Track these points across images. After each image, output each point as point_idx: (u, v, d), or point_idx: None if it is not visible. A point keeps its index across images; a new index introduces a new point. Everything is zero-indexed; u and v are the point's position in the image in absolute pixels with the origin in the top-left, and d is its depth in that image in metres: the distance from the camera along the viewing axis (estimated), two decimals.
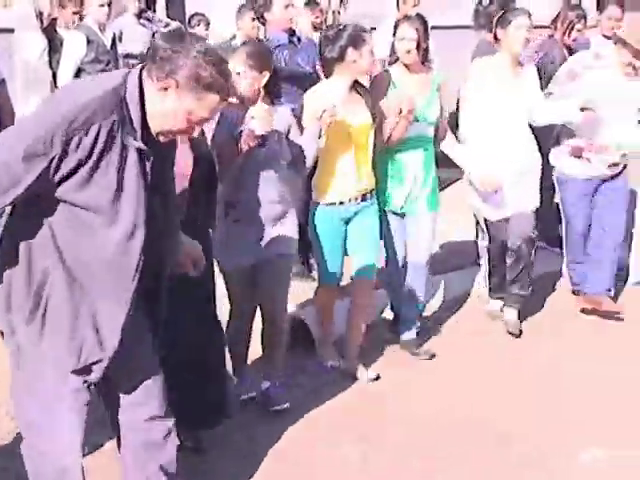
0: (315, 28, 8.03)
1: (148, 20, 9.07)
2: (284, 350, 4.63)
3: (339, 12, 9.38)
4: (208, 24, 9.06)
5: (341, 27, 4.72)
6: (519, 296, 5.64)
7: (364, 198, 4.82)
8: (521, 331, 5.62)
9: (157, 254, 2.88)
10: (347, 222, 4.83)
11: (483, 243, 5.90)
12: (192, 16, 9.23)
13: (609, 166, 5.67)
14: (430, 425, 4.47)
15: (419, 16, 5.29)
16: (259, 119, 4.04)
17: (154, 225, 2.79)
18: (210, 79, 2.64)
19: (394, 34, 5.06)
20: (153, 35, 8.49)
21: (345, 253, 4.92)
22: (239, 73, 4.13)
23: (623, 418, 4.53)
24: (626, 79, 5.48)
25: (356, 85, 4.77)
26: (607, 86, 5.45)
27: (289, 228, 4.42)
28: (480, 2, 6.74)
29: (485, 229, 5.68)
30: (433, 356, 5.29)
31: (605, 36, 6.78)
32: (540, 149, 5.61)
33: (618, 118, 5.46)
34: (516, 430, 4.40)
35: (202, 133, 3.59)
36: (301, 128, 4.49)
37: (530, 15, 5.35)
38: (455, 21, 10.03)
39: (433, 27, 6.17)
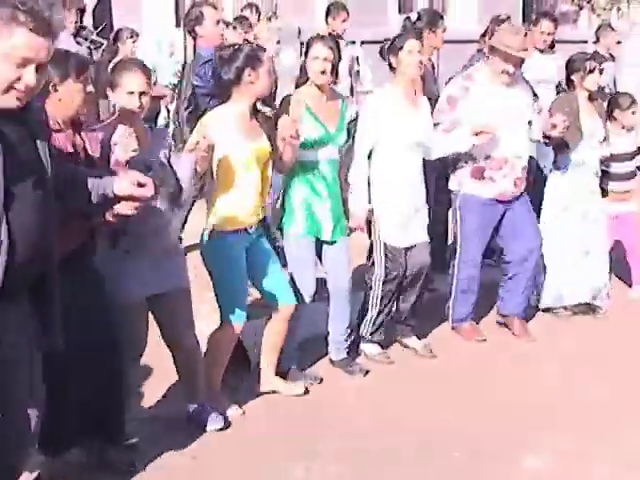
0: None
1: (85, 39, 9.04)
2: (202, 372, 4.51)
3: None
4: (137, 36, 8.92)
5: (236, 47, 4.58)
6: (411, 326, 5.61)
7: (260, 225, 4.69)
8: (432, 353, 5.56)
9: (36, 236, 2.86)
10: (244, 252, 4.59)
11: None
12: (120, 30, 9.09)
13: (515, 184, 5.59)
14: (374, 436, 4.47)
15: (332, 36, 5.18)
16: (120, 144, 3.88)
17: (28, 208, 2.79)
18: (21, 15, 2.68)
19: (306, 53, 4.94)
20: (90, 54, 8.46)
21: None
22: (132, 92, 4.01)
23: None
24: (506, 88, 5.47)
25: (255, 107, 4.60)
26: (491, 101, 5.41)
27: (180, 260, 4.32)
28: (408, 18, 6.75)
29: (382, 260, 5.32)
30: (367, 372, 5.26)
31: (537, 49, 6.85)
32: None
33: (510, 130, 5.43)
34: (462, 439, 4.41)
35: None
36: None
37: (421, 39, 5.32)
38: (384, 35, 10.05)
39: (363, 42, 6.20)
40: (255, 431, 4.52)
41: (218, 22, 6.19)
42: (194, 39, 6.20)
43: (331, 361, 5.32)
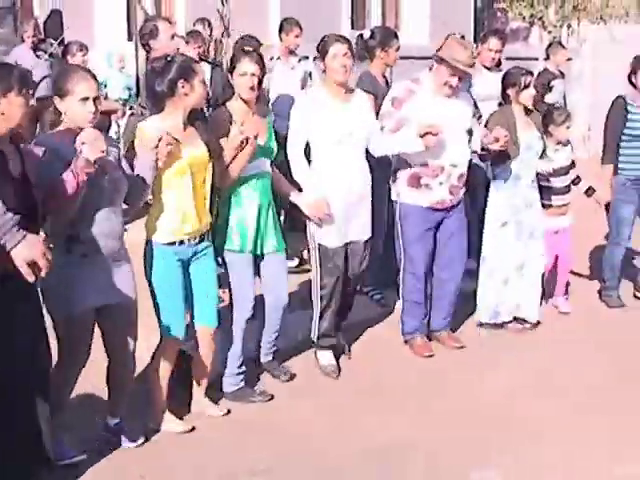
0: (200, 58, 7.92)
1: (44, 52, 9.02)
2: (130, 388, 4.48)
3: (221, 41, 9.30)
4: (87, 50, 8.84)
5: (169, 58, 4.52)
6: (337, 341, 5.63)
7: (202, 238, 4.60)
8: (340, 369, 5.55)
9: None
10: (184, 265, 4.54)
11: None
12: (69, 43, 8.99)
13: (450, 192, 5.64)
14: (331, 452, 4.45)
15: (257, 52, 5.17)
16: (89, 144, 3.82)
17: None
18: None
19: (232, 69, 4.91)
20: (50, 67, 8.43)
21: (186, 299, 4.60)
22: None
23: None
24: (447, 99, 5.54)
25: (192, 118, 4.54)
26: (433, 108, 5.49)
27: (129, 269, 4.26)
28: (361, 35, 6.76)
29: (318, 260, 5.34)
30: (293, 376, 5.31)
31: (485, 66, 6.90)
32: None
33: (449, 139, 5.47)
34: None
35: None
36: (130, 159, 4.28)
37: (348, 41, 5.30)
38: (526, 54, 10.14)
39: (316, 57, 6.21)
40: (201, 450, 4.48)
41: (173, 36, 6.18)
42: (148, 53, 6.17)
43: (259, 364, 5.37)
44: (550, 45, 10.83)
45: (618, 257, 6.75)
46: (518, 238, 6.10)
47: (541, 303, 6.48)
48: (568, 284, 6.79)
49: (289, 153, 5.25)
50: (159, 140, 4.18)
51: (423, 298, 5.82)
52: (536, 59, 11.68)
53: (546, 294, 6.61)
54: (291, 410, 4.97)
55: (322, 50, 5.24)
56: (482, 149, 5.83)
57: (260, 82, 4.88)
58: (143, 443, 4.47)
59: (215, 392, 5.00)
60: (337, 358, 5.58)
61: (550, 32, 14.26)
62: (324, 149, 5.23)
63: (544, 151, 6.21)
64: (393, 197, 5.78)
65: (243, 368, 5.08)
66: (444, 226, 5.76)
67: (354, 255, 5.42)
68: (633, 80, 6.58)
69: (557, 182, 6.40)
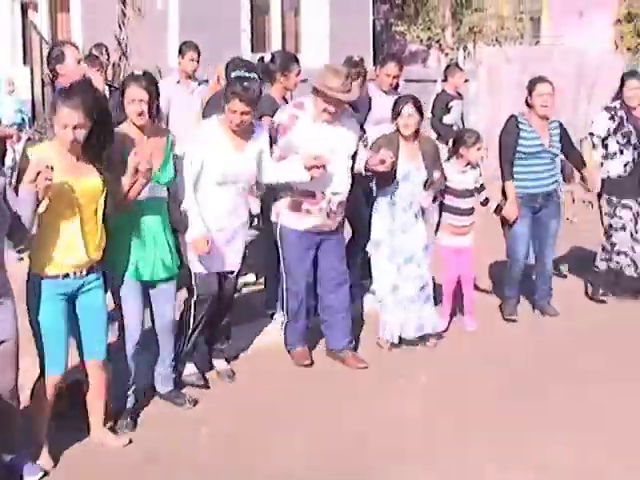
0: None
1: None
2: (19, 423, 4.30)
3: (119, 66, 9.19)
4: None
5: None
6: (221, 350, 5.68)
7: (90, 271, 4.44)
8: (233, 372, 5.64)
9: None
10: (70, 298, 4.39)
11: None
12: None
13: (329, 217, 5.63)
14: None
15: (147, 74, 4.99)
16: None
17: None
18: None
19: (122, 93, 4.78)
20: None
21: (70, 333, 4.42)
22: None
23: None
24: (329, 125, 5.52)
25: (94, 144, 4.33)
26: (315, 135, 5.48)
27: (11, 304, 4.09)
28: (262, 59, 6.76)
29: (194, 284, 5.31)
30: (196, 403, 5.21)
31: (383, 90, 6.97)
32: None
33: (331, 167, 5.45)
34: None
35: None
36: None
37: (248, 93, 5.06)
38: (425, 76, 10.16)
39: (406, 80, 6.28)
40: None
41: (79, 61, 6.11)
42: (55, 78, 6.08)
43: (159, 394, 5.26)
44: (447, 67, 11.06)
45: (515, 272, 6.84)
46: (390, 260, 6.06)
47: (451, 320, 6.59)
48: (474, 301, 6.79)
49: (185, 179, 5.12)
50: (37, 174, 3.96)
51: (304, 314, 5.87)
52: (434, 81, 11.90)
53: (443, 312, 6.59)
54: (194, 441, 4.88)
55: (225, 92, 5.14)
56: (366, 170, 5.81)
57: (151, 106, 4.71)
58: (42, 477, 4.31)
59: (122, 420, 4.90)
60: (228, 374, 5.63)
61: (447, 54, 14.58)
62: (207, 185, 5.17)
63: (428, 179, 6.05)
64: (273, 217, 5.81)
65: (133, 398, 4.97)
66: (323, 250, 5.79)
67: (227, 284, 5.47)
68: (529, 101, 6.72)
69: (461, 203, 6.40)
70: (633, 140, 7.02)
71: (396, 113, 5.98)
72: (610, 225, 7.10)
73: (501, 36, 15.50)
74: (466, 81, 10.96)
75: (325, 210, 5.62)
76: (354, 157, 5.79)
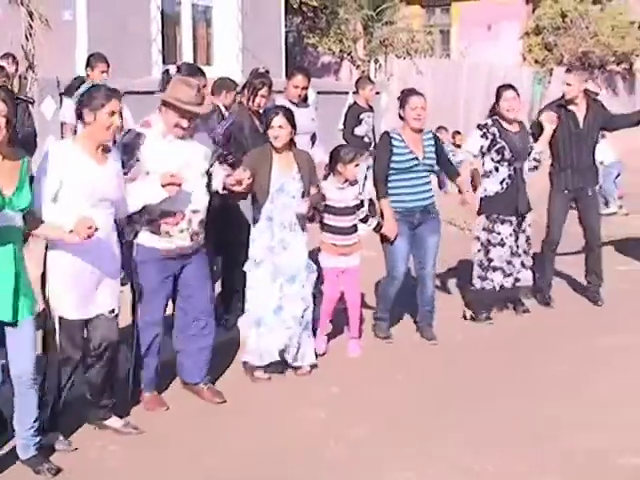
0: None
1: None
2: None
3: (25, 77, 9.01)
4: None
5: None
6: (107, 407, 5.09)
7: None
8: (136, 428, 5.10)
9: None
10: None
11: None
12: None
13: (192, 238, 5.29)
14: None
15: (4, 88, 4.72)
16: None
17: None
18: None
19: None
20: None
21: None
22: None
23: None
24: (182, 141, 5.21)
25: None
26: (166, 153, 5.15)
27: None
28: (167, 71, 6.67)
29: (58, 337, 4.70)
30: (58, 471, 4.57)
31: (292, 102, 7.00)
32: None
33: (187, 185, 5.14)
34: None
35: None
36: None
37: (116, 92, 4.77)
38: (147, 86, 10.01)
39: (127, 92, 6.12)
40: None
41: None
42: None
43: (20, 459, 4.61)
44: (359, 79, 11.15)
45: (391, 290, 6.67)
46: (274, 280, 5.82)
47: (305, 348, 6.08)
48: (361, 323, 6.63)
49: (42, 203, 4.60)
50: None
51: (157, 351, 5.37)
52: (346, 93, 11.97)
53: (320, 331, 6.43)
54: None
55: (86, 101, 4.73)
56: (224, 188, 5.52)
57: (8, 121, 4.23)
58: None
59: None
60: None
61: (359, 67, 14.70)
62: (69, 209, 4.59)
63: (304, 192, 5.87)
64: (130, 236, 5.25)
65: None
66: (184, 277, 5.40)
67: (96, 328, 4.85)
68: (402, 114, 6.62)
69: (342, 222, 6.20)
70: (507, 156, 6.96)
71: (266, 125, 5.85)
72: (488, 241, 7.05)
73: (411, 49, 15.70)
74: (377, 93, 11.06)
75: (186, 232, 5.26)
76: (210, 174, 5.46)
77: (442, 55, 21.78)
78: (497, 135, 6.99)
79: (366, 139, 10.22)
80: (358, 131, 10.29)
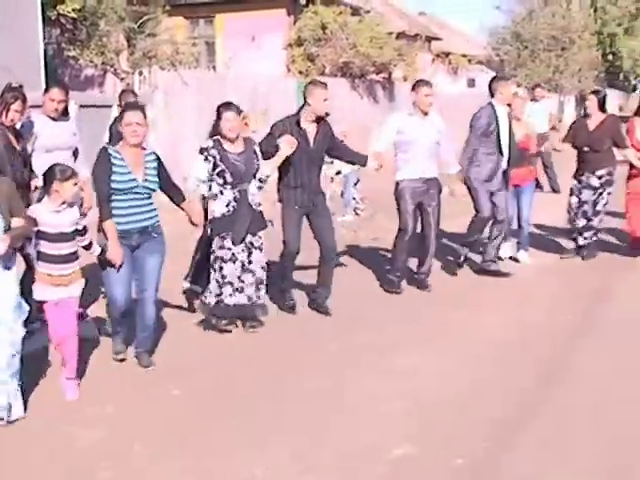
0: None
1: None
2: None
3: None
4: None
5: None
6: None
7: None
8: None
9: None
10: None
11: None
12: None
13: None
14: None
15: None
16: None
17: None
18: None
19: None
20: None
21: None
22: None
23: None
24: None
25: None
26: None
27: None
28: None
29: None
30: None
31: (50, 117, 6.82)
32: None
33: None
34: None
35: None
36: None
37: None
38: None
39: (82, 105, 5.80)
40: None
41: None
42: None
43: None
44: (122, 92, 10.94)
45: (115, 312, 6.28)
46: None
47: None
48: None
49: None
50: None
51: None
52: (110, 106, 11.73)
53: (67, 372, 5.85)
54: None
55: None
56: None
57: None
58: None
59: None
60: None
61: (123, 79, 14.47)
62: None
63: None
64: None
65: None
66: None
67: None
68: (120, 128, 6.16)
69: (57, 250, 5.64)
70: (229, 179, 6.89)
71: None
72: (221, 258, 7.02)
73: (176, 60, 15.64)
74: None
75: None
76: None
77: (208, 67, 21.87)
78: (217, 158, 6.88)
79: None
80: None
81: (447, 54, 37.12)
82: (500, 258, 9.65)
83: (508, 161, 9.13)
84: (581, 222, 9.91)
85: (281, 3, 22.18)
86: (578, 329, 7.41)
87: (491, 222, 9.22)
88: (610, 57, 45.96)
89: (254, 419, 5.46)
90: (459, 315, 7.83)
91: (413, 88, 8.49)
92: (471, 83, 37.87)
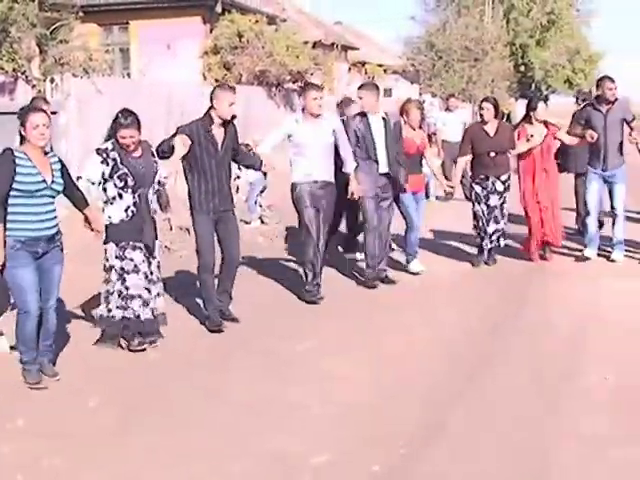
0: None
1: None
2: None
3: None
4: None
5: None
6: None
7: None
8: None
9: None
10: None
11: None
12: None
13: None
14: None
15: None
16: None
17: None
18: None
19: None
20: None
21: None
22: None
23: None
24: None
25: None
26: None
27: None
28: None
29: None
30: None
31: None
32: None
33: None
34: None
35: None
36: None
37: None
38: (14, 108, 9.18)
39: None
40: None
41: None
42: None
43: None
44: (33, 100, 10.76)
45: (28, 325, 6.05)
46: None
47: None
48: None
49: None
50: None
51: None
52: None
53: None
54: None
55: None
56: None
57: None
58: None
59: None
60: None
61: (35, 86, 14.19)
62: None
63: None
64: None
65: None
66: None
67: None
68: (22, 132, 5.98)
69: None
70: (130, 182, 6.72)
71: None
72: (123, 269, 6.82)
73: (90, 67, 15.40)
74: (53, 113, 10.73)
75: None
76: None
77: (123, 74, 21.61)
78: (118, 161, 6.71)
79: None
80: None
81: (363, 63, 37.46)
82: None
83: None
84: (491, 227, 10.11)
85: (197, 11, 22.11)
86: (496, 330, 7.58)
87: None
88: (522, 68, 46.96)
89: (172, 432, 5.39)
90: (379, 317, 7.96)
91: (300, 94, 8.63)
92: (388, 93, 38.36)
